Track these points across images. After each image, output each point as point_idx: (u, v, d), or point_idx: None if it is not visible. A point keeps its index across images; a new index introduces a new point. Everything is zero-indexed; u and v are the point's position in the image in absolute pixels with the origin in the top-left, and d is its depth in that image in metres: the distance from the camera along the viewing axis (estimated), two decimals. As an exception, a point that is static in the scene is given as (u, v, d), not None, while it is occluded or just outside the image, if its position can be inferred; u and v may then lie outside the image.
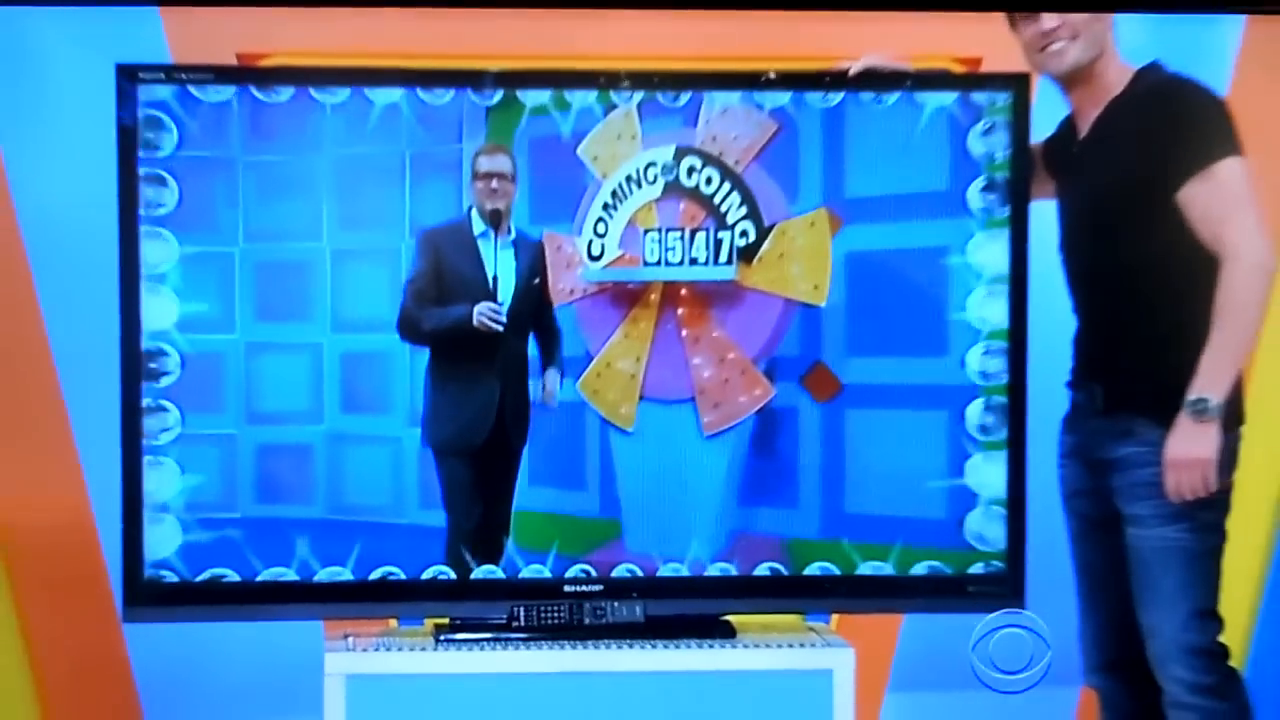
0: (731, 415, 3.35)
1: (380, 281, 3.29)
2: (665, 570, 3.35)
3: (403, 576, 3.30)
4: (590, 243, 3.33)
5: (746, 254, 3.32)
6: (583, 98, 3.30)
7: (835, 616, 3.65)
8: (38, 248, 3.87)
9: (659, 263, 3.32)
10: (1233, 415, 3.10)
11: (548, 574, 3.33)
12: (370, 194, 3.30)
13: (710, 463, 3.37)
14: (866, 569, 3.36)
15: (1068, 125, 3.30)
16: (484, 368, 3.33)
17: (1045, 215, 3.32)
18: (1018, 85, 3.29)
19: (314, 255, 3.28)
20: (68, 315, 3.85)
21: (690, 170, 3.33)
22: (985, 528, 3.34)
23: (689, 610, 3.34)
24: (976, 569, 3.35)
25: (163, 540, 3.25)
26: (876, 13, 3.88)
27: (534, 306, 3.34)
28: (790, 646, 3.29)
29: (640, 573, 3.35)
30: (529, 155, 3.32)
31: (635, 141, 3.32)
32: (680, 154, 3.33)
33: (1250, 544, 3.95)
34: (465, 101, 3.28)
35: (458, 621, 3.31)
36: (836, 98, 3.31)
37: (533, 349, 3.35)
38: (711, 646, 3.28)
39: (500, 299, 3.32)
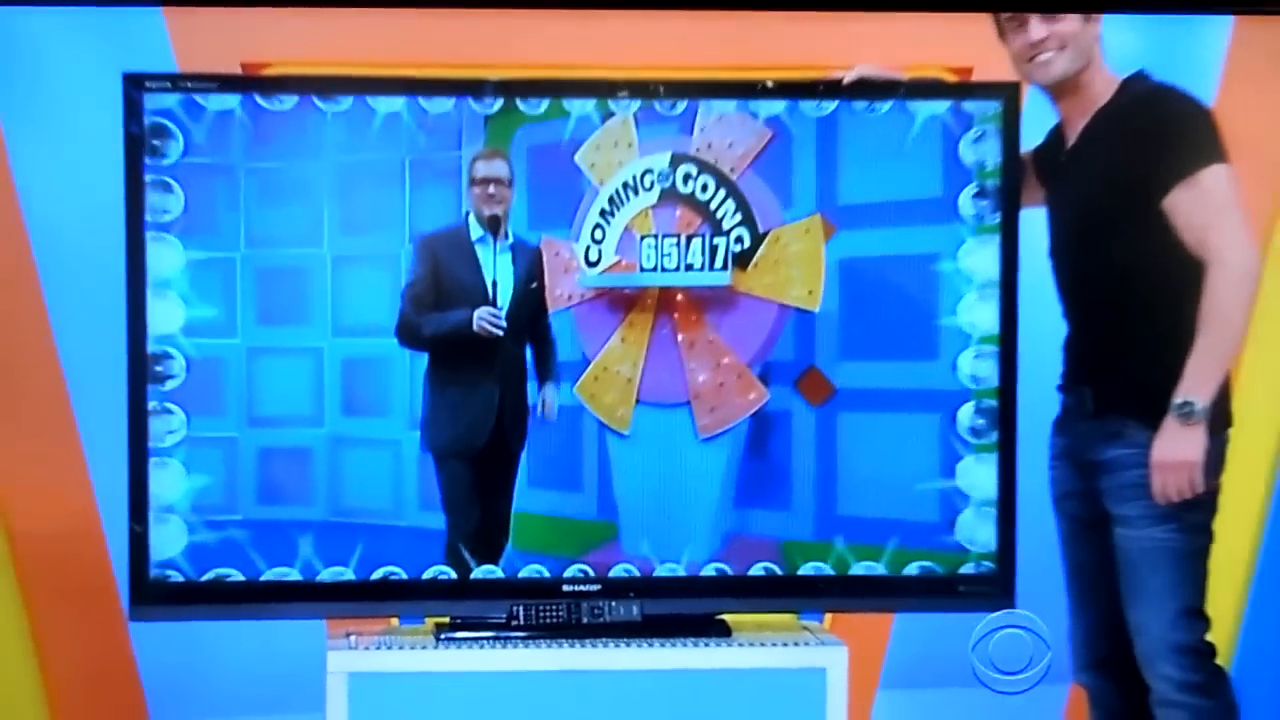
0: (727, 419, 3.36)
1: (380, 287, 3.29)
2: (662, 570, 3.36)
3: (404, 576, 3.31)
4: (588, 249, 3.33)
5: (742, 260, 3.33)
6: (581, 106, 3.30)
7: (829, 616, 3.63)
8: (45, 253, 3.87)
9: (655, 268, 3.33)
10: (1220, 418, 3.12)
11: (546, 574, 3.35)
12: (370, 200, 3.31)
13: (706, 466, 3.37)
14: (860, 569, 3.37)
15: (1056, 134, 3.32)
16: (483, 372, 3.33)
17: (1035, 222, 3.33)
18: (1008, 94, 3.30)
19: (315, 261, 3.29)
20: (74, 320, 3.85)
21: (686, 177, 3.34)
22: (976, 529, 3.35)
23: (685, 610, 3.34)
24: (967, 569, 3.36)
25: (168, 541, 3.27)
26: (870, 24, 3.87)
27: (532, 311, 3.35)
28: (785, 645, 3.30)
29: (637, 573, 3.36)
30: (527, 162, 3.32)
31: (632, 149, 3.33)
32: (676, 161, 3.33)
33: (1237, 544, 3.95)
34: (465, 109, 3.29)
35: (458, 620, 3.32)
36: (830, 106, 3.32)
37: (530, 355, 3.36)
38: (707, 645, 3.29)
39: (499, 304, 3.33)
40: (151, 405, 3.25)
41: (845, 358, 3.36)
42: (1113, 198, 3.14)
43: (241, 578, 3.29)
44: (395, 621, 3.45)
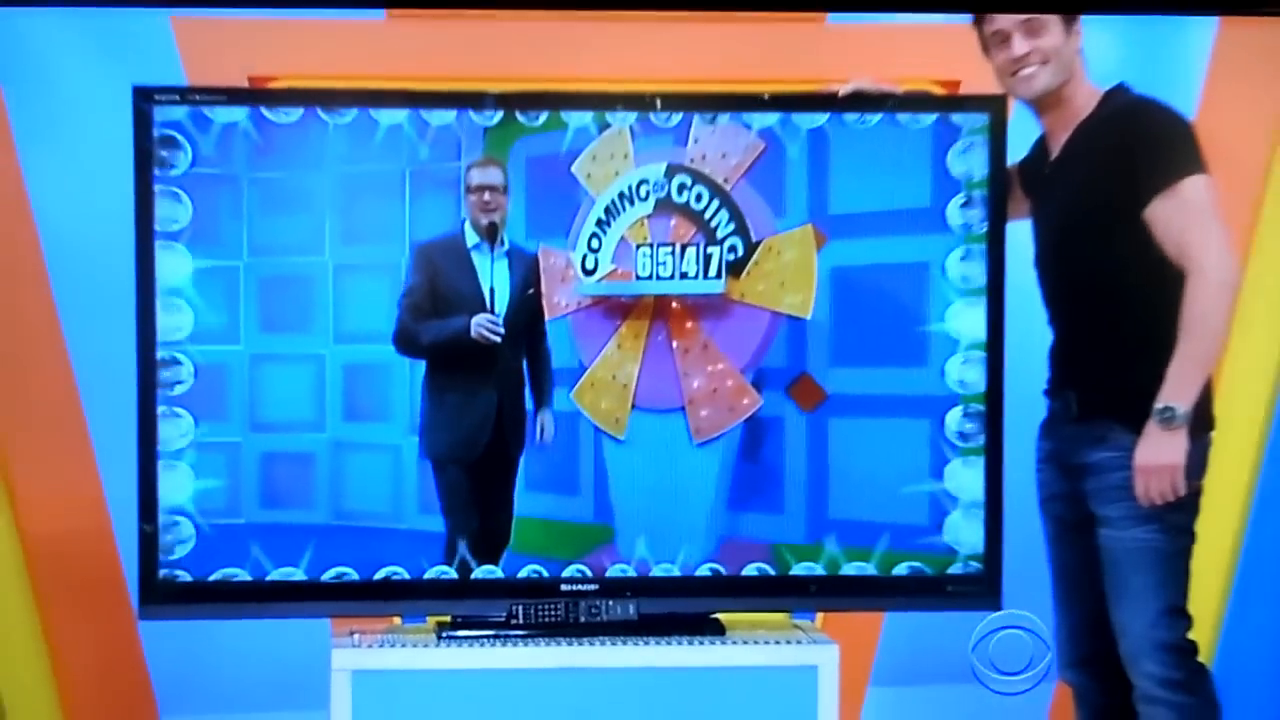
0: (720, 424, 3.38)
1: (381, 294, 3.31)
2: (658, 570, 3.39)
3: (406, 576, 3.34)
4: (585, 257, 3.35)
5: (735, 268, 3.35)
6: (578, 118, 3.33)
7: (820, 615, 3.66)
8: (57, 261, 3.89)
9: (651, 277, 3.35)
10: (1202, 421, 3.13)
11: (545, 574, 3.37)
12: (372, 210, 3.33)
13: (700, 470, 3.39)
14: (850, 569, 3.39)
15: (1040, 147, 3.33)
16: (481, 378, 3.35)
17: (1022, 231, 3.34)
18: (995, 107, 3.33)
19: (317, 269, 3.31)
20: (85, 325, 3.87)
21: (681, 187, 3.36)
22: (964, 530, 3.38)
23: (680, 609, 3.37)
24: (956, 569, 3.38)
25: (177, 541, 3.30)
26: (860, 38, 3.92)
27: (530, 318, 3.36)
28: (777, 643, 3.32)
29: (634, 573, 3.39)
30: (525, 173, 3.34)
31: (628, 160, 3.35)
32: (671, 171, 3.35)
33: (1219, 545, 3.97)
34: (465, 121, 3.31)
35: (459, 619, 3.35)
36: (821, 118, 3.35)
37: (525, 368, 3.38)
38: (702, 643, 3.32)
39: (495, 311, 3.34)
40: (160, 410, 3.28)
41: (836, 364, 3.39)
42: (1095, 208, 3.16)
43: (248, 577, 3.31)
44: (398, 620, 3.49)
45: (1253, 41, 3.96)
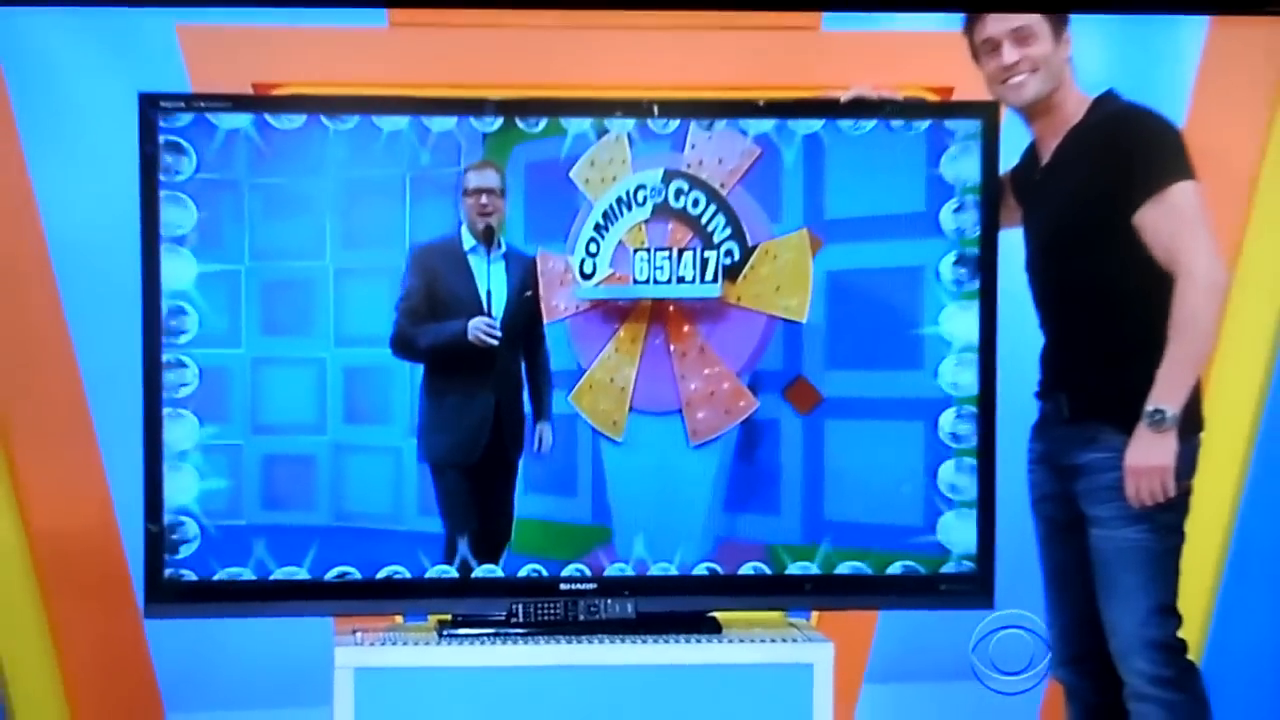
0: (717, 426, 3.41)
1: (381, 298, 3.34)
2: (655, 570, 3.40)
3: (407, 575, 3.36)
4: (583, 261, 3.37)
5: (731, 272, 3.38)
6: (577, 124, 3.35)
7: (815, 613, 3.69)
8: (64, 265, 3.91)
9: (648, 281, 3.37)
10: (1191, 423, 3.14)
11: (544, 573, 3.40)
12: (372, 215, 3.35)
13: (697, 472, 3.42)
14: (845, 569, 3.41)
15: (1030, 153, 3.34)
16: (479, 382, 3.37)
17: (1014, 236, 3.36)
18: (987, 112, 3.35)
19: (318, 273, 3.33)
20: (92, 328, 3.89)
21: (678, 192, 3.38)
22: (957, 530, 3.40)
23: (678, 607, 3.39)
24: (949, 569, 3.41)
25: (182, 541, 3.32)
26: (854, 45, 3.94)
27: (527, 320, 3.38)
28: (773, 641, 3.35)
29: (632, 572, 3.41)
30: (524, 178, 3.36)
31: (626, 165, 3.37)
32: (668, 177, 3.37)
33: (1208, 544, 3.99)
34: (465, 127, 3.33)
35: (459, 618, 3.38)
36: (817, 124, 3.37)
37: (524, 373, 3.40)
38: (698, 641, 3.34)
39: (492, 314, 3.36)
40: (166, 412, 3.30)
41: (831, 367, 3.41)
42: (1085, 214, 3.17)
43: (252, 577, 3.33)
44: (399, 619, 3.51)
45: (1243, 41, 3.99)
